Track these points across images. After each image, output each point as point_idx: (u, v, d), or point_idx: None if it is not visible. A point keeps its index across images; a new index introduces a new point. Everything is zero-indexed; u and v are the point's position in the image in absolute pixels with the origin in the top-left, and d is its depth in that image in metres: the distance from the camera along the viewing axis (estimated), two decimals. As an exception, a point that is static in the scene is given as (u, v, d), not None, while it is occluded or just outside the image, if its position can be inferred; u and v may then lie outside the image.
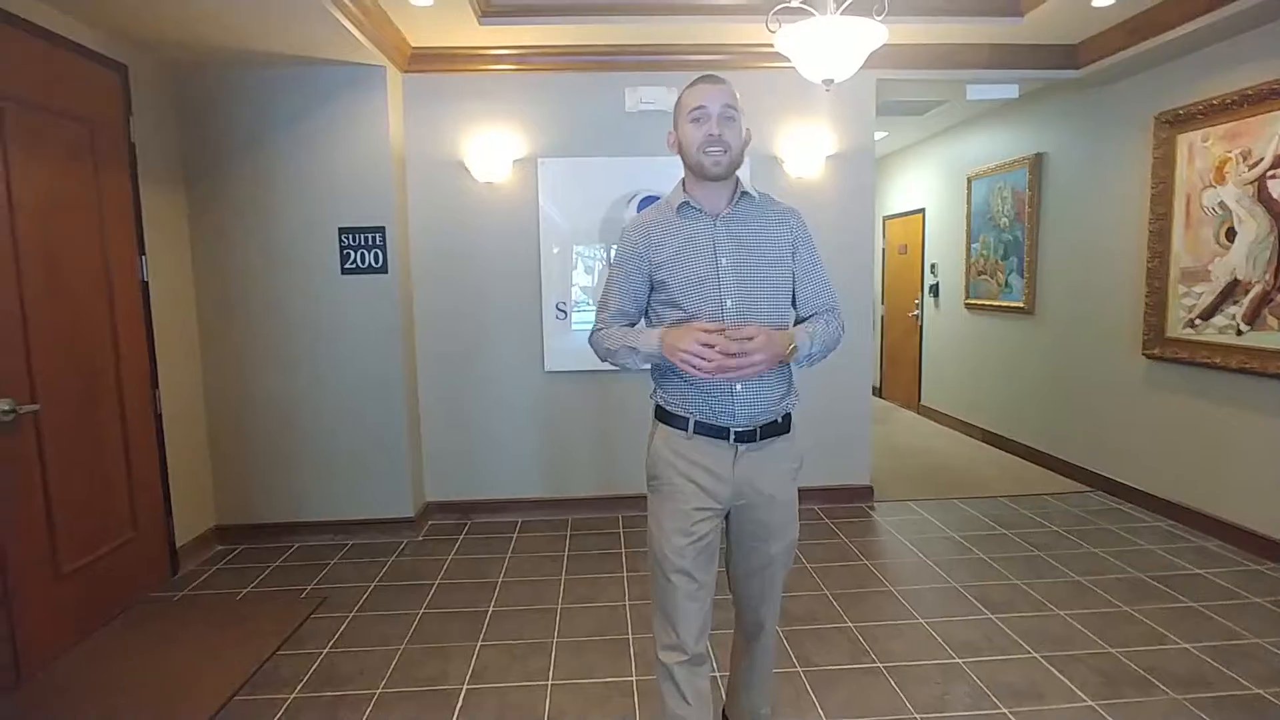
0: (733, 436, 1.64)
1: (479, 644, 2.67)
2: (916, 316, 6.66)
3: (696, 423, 1.65)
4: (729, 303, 1.63)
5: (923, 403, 6.58)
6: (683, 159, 1.68)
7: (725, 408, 1.63)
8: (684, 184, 1.71)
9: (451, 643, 2.69)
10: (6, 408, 2.34)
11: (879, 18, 2.29)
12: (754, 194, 1.72)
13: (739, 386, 1.62)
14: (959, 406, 5.95)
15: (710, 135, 1.60)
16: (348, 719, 2.23)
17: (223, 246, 3.58)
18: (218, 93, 3.50)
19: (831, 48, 2.33)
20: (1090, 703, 2.24)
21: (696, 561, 1.65)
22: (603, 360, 1.76)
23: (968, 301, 5.69)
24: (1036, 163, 4.75)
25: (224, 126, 3.53)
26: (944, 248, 6.10)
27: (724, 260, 1.64)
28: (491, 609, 2.97)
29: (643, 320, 1.79)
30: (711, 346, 1.50)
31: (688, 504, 1.65)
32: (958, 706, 2.24)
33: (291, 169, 3.56)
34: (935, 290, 6.28)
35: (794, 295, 1.75)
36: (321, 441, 3.71)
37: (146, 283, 3.19)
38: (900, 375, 7.12)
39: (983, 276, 5.47)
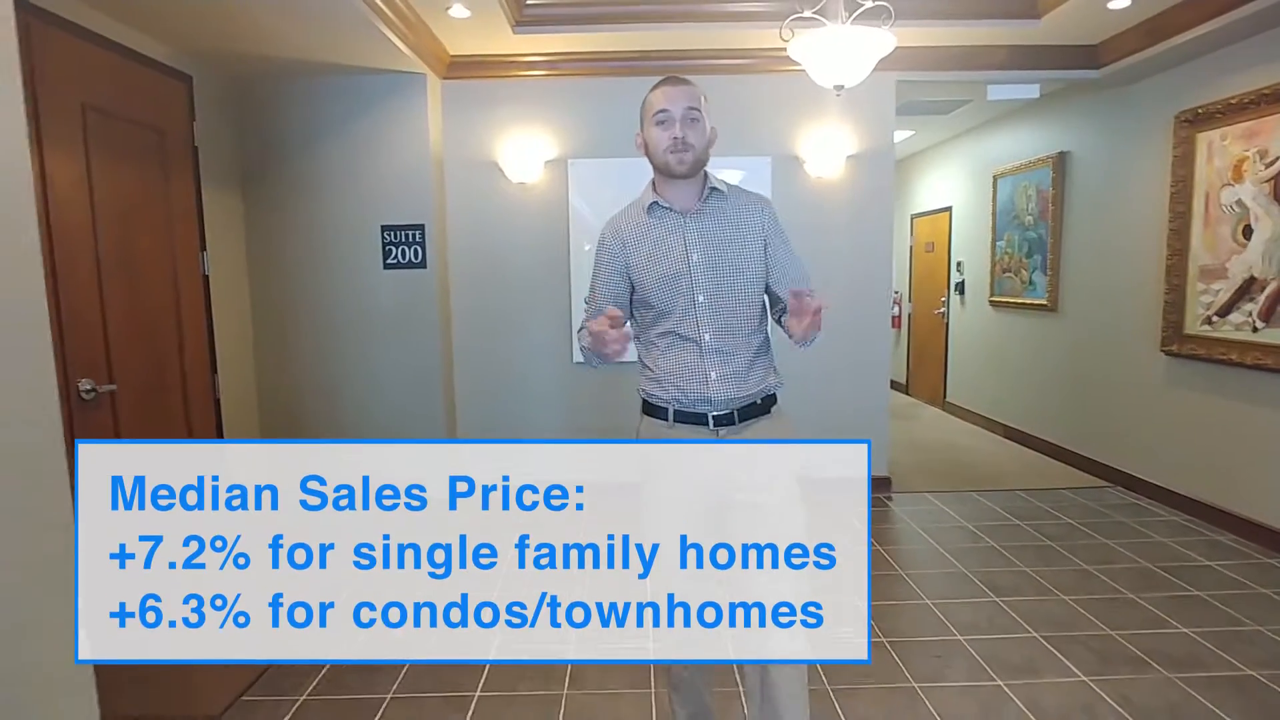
0: (711, 422, 1.69)
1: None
2: (943, 314, 6.71)
3: (675, 411, 1.71)
4: (700, 298, 1.66)
5: (948, 399, 6.63)
6: (650, 160, 1.71)
7: (700, 394, 1.67)
8: (653, 184, 1.74)
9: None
10: (89, 387, 2.61)
11: (887, 26, 2.42)
12: (723, 188, 1.73)
13: (713, 374, 1.67)
14: (983, 403, 5.99)
15: (675, 139, 1.63)
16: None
17: (275, 242, 3.85)
18: (272, 100, 3.77)
19: (842, 55, 2.47)
20: (1083, 678, 2.35)
21: None
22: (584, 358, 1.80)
23: (992, 299, 5.73)
24: (1060, 161, 4.79)
25: (277, 131, 3.80)
26: (970, 246, 6.15)
27: (695, 256, 1.67)
28: (520, 582, 3.16)
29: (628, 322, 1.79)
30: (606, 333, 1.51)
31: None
32: (955, 678, 2.37)
33: (338, 170, 3.82)
34: (961, 288, 6.32)
35: (769, 286, 1.75)
36: (364, 427, 3.95)
37: (207, 276, 3.45)
38: (926, 372, 7.17)
39: (1007, 274, 5.51)
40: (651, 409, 1.77)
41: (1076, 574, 3.13)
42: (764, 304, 1.79)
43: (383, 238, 3.84)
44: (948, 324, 6.65)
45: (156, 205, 3.12)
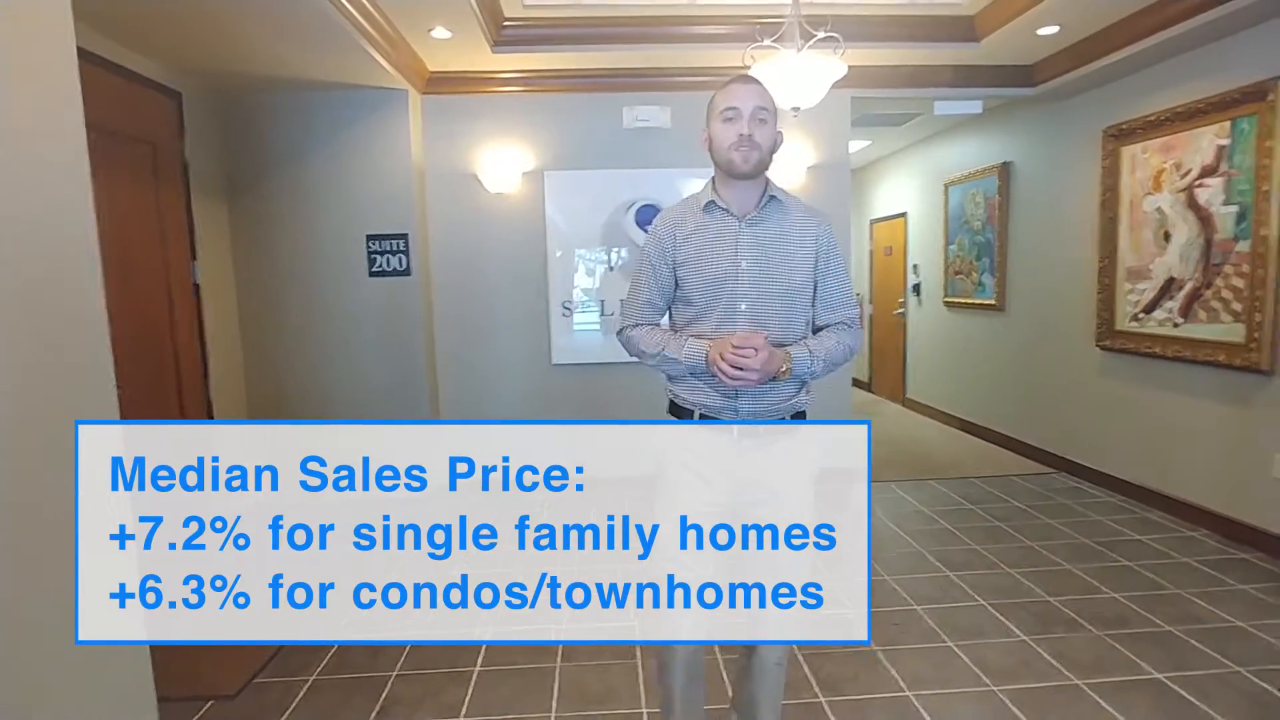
0: (736, 433, 1.68)
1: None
2: (901, 314, 7.04)
3: (701, 416, 1.70)
4: (743, 305, 1.63)
5: (908, 396, 6.96)
6: (712, 158, 1.68)
7: (724, 403, 1.67)
8: (713, 183, 1.71)
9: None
10: (94, 392, 2.73)
11: (838, 54, 2.68)
12: (783, 197, 1.69)
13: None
14: (940, 398, 6.33)
15: (741, 135, 1.60)
16: (390, 661, 2.61)
17: (262, 252, 3.98)
18: (258, 115, 3.90)
19: (797, 80, 2.72)
20: (1023, 637, 2.61)
21: None
22: (631, 356, 1.80)
23: (946, 300, 6.07)
24: (1004, 171, 5.14)
25: (264, 144, 3.93)
26: (924, 249, 6.49)
27: (745, 263, 1.64)
28: (507, 572, 3.34)
29: (666, 317, 1.82)
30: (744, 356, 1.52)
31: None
32: (910, 641, 2.62)
33: (324, 182, 3.96)
34: (917, 289, 6.66)
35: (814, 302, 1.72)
36: (350, 429, 4.09)
37: (198, 284, 3.58)
38: (887, 370, 7.50)
39: (959, 276, 5.85)
40: (678, 410, 1.75)
41: (1021, 550, 3.42)
42: (807, 321, 1.75)
43: (368, 246, 4.00)
44: (906, 324, 6.98)
45: (150, 217, 3.24)
